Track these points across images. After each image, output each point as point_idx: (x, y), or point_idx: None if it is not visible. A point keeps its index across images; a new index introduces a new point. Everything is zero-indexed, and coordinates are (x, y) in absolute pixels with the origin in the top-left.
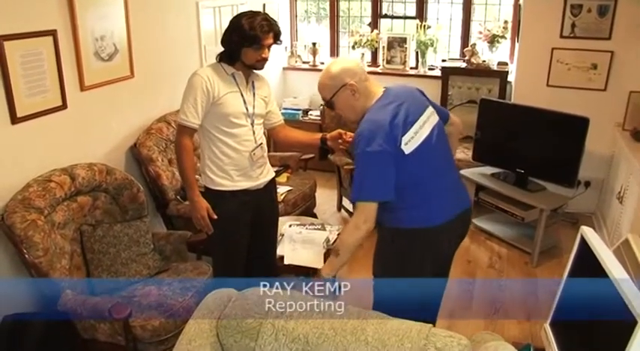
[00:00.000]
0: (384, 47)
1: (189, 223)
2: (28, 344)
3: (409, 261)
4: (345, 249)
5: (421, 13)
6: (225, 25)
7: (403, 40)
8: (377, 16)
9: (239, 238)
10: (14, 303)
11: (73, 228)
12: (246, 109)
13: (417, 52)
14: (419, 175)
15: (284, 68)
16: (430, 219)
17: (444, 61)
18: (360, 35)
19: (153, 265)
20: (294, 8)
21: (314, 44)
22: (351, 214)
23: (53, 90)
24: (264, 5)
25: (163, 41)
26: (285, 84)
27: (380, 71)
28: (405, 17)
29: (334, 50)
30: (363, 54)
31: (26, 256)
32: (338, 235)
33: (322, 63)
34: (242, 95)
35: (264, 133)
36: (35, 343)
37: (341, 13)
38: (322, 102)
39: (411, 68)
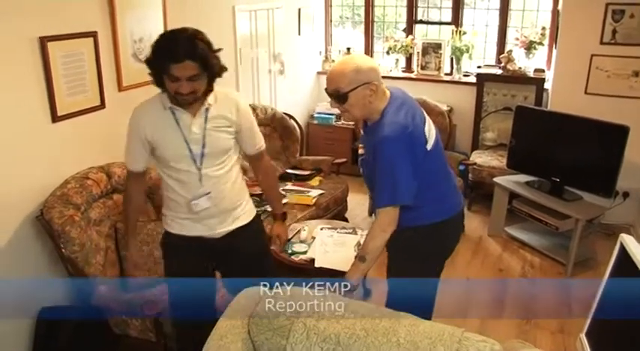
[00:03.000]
0: (418, 53)
1: None
2: (64, 336)
3: (426, 257)
4: (372, 253)
5: (457, 19)
6: (261, 28)
7: (438, 46)
8: (412, 21)
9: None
10: (51, 296)
11: (108, 225)
12: (190, 150)
13: (451, 58)
14: (437, 170)
15: (318, 73)
16: (446, 211)
17: (479, 67)
18: (395, 41)
19: None
20: (329, 13)
21: (348, 49)
22: None
23: (92, 90)
24: (299, 10)
25: None
26: (320, 88)
27: (414, 77)
28: (441, 23)
29: (368, 55)
30: (397, 60)
31: (63, 250)
32: None
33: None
34: (183, 134)
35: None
36: (70, 336)
37: (376, 19)
38: (329, 90)
39: (446, 74)
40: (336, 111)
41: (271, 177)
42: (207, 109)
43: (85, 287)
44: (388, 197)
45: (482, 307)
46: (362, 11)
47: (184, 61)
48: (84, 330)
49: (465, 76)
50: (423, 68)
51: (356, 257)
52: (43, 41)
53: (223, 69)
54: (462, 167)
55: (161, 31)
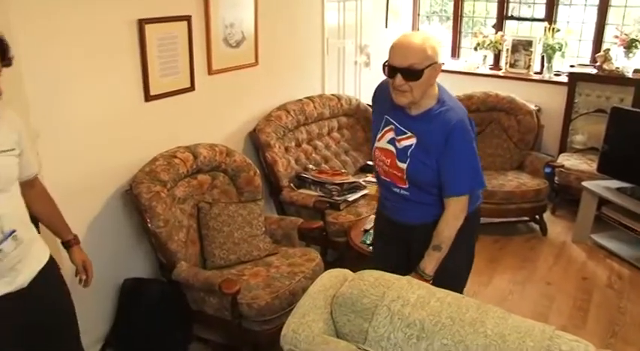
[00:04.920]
0: (507, 50)
1: (300, 210)
2: (144, 308)
3: (473, 244)
4: (447, 242)
5: (550, 16)
6: (349, 19)
7: (529, 44)
8: (502, 17)
9: None
10: (134, 268)
11: (191, 204)
12: None
13: (542, 57)
14: None
15: None
16: (478, 195)
17: (572, 66)
18: (484, 36)
19: (263, 247)
20: (417, 6)
21: None
22: None
23: (184, 72)
24: (387, 2)
25: (288, 32)
26: None
27: (501, 75)
28: (533, 19)
29: (455, 51)
30: (485, 56)
31: (149, 225)
32: None
33: (442, 63)
34: None
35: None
36: (149, 308)
37: (464, 14)
38: (402, 65)
39: (536, 73)
40: None
41: (50, 200)
42: None
43: (166, 261)
44: (468, 183)
45: (562, 315)
46: (451, 6)
47: None
48: (163, 303)
49: (555, 75)
50: (511, 66)
51: (430, 248)
52: (142, 23)
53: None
54: (547, 169)
55: (252, 17)
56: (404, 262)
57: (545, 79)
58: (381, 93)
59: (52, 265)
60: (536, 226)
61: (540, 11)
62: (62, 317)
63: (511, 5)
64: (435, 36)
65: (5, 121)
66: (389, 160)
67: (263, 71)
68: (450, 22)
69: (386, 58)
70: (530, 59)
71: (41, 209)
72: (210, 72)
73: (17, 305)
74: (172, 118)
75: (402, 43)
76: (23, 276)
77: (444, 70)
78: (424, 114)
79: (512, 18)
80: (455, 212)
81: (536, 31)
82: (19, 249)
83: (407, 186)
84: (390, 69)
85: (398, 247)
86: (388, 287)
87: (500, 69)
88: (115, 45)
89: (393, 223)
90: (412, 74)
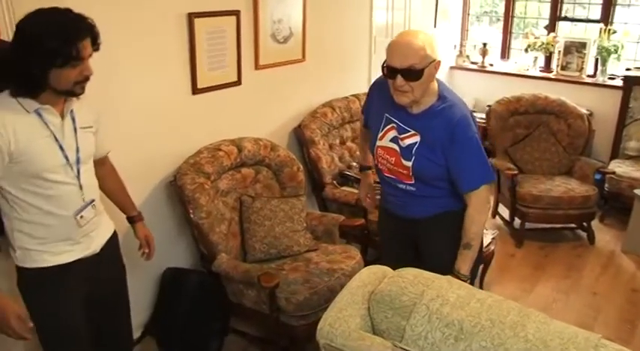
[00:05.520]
0: (559, 52)
1: (342, 207)
2: (183, 297)
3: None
4: (477, 239)
5: (607, 17)
6: (398, 18)
7: (582, 46)
8: (555, 18)
9: (77, 330)
10: (175, 258)
11: (234, 197)
12: (66, 157)
13: (596, 59)
14: None
15: (451, 67)
16: None
17: (628, 69)
18: (535, 37)
19: (303, 242)
20: (467, 7)
21: (484, 45)
22: (506, 221)
23: (231, 66)
24: (436, 1)
25: (335, 29)
26: (451, 84)
27: (552, 77)
28: (588, 21)
29: (505, 52)
30: (536, 58)
31: (192, 216)
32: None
33: (491, 65)
34: (56, 139)
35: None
36: (189, 297)
37: (516, 14)
38: (402, 66)
39: (588, 76)
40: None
41: (118, 177)
42: (71, 110)
43: (207, 252)
44: (481, 177)
45: (608, 327)
46: (502, 6)
47: (89, 36)
48: (202, 294)
49: (610, 78)
50: (563, 68)
51: (461, 248)
52: (191, 17)
53: None
54: (597, 176)
55: (300, 14)
56: (411, 258)
57: (598, 82)
58: (379, 91)
59: (115, 237)
60: (584, 234)
61: (596, 12)
62: (120, 288)
63: (565, 6)
64: (429, 33)
65: (85, 102)
66: (393, 159)
67: (310, 67)
68: (500, 23)
69: (435, 58)
70: (583, 62)
71: (111, 185)
72: (257, 67)
73: (87, 271)
74: (218, 111)
75: (400, 43)
76: (96, 242)
77: (493, 72)
78: (426, 111)
79: (565, 19)
80: (477, 207)
81: (590, 33)
82: (96, 217)
83: (413, 182)
84: (390, 70)
85: (403, 243)
86: (427, 286)
87: (552, 71)
88: (166, 38)
89: (398, 218)
90: (413, 74)
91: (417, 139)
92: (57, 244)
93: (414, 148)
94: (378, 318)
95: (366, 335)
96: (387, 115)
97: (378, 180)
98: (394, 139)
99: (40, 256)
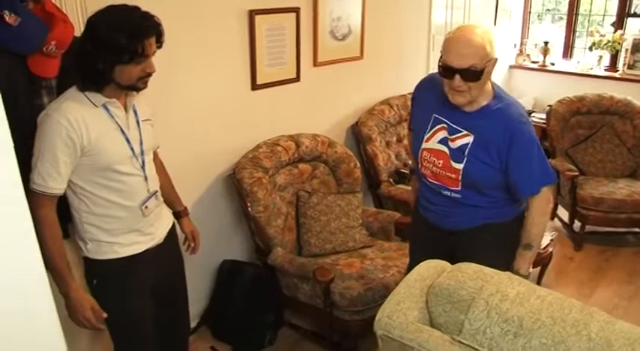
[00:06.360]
0: (627, 50)
1: (398, 205)
2: (239, 289)
3: (511, 257)
4: (537, 240)
5: None
6: (457, 16)
7: None
8: (623, 14)
9: (145, 320)
10: (232, 250)
11: (291, 192)
12: (132, 149)
13: None
14: None
15: (510, 66)
16: None
17: None
18: (601, 35)
19: (359, 239)
20: (528, 5)
21: (546, 43)
22: (565, 224)
23: (290, 63)
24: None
25: (394, 27)
26: (510, 83)
27: (618, 76)
28: None
29: (568, 51)
30: (600, 57)
31: (249, 209)
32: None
33: (552, 64)
34: (123, 132)
35: None
36: (245, 289)
37: (581, 11)
38: (462, 67)
39: None
40: (527, 107)
41: (166, 172)
42: (133, 105)
43: (263, 246)
44: (542, 178)
45: None
46: (565, 4)
47: (154, 34)
48: (257, 287)
49: None
50: (630, 67)
51: (521, 249)
52: (252, 14)
53: None
54: None
55: (359, 12)
56: None
57: None
58: (426, 90)
59: (174, 229)
60: None
61: None
62: (180, 278)
63: (635, 2)
64: (490, 30)
65: (143, 97)
66: (441, 162)
67: (368, 65)
68: (563, 21)
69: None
70: None
71: (160, 180)
72: (315, 63)
73: (152, 262)
74: (276, 107)
75: (459, 41)
76: (160, 232)
77: (554, 71)
78: (481, 110)
79: (635, 15)
80: (541, 208)
81: None
82: (158, 208)
83: (459, 188)
84: (447, 69)
85: (436, 257)
86: (487, 281)
87: (617, 70)
88: (226, 34)
89: (437, 229)
90: (472, 75)
91: (469, 139)
92: (126, 236)
93: (467, 150)
94: (436, 311)
95: (424, 328)
96: (436, 115)
97: None
98: (443, 141)
99: (111, 248)
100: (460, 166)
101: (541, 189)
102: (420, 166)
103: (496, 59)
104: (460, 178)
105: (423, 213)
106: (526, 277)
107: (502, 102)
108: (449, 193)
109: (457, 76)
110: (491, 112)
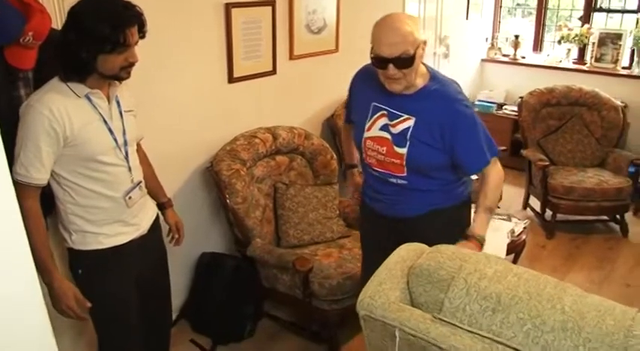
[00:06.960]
0: (594, 43)
1: None
2: (219, 279)
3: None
4: (496, 203)
5: None
6: (430, 10)
7: (618, 37)
8: (590, 9)
9: (129, 310)
10: (211, 243)
11: (269, 184)
12: (115, 140)
13: (632, 50)
14: None
15: (482, 60)
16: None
17: None
18: (569, 29)
19: (337, 229)
20: None
21: (516, 37)
22: (537, 213)
23: (266, 56)
24: None
25: (368, 20)
26: (482, 76)
27: (586, 69)
28: (624, 11)
29: (538, 44)
30: (569, 50)
31: (228, 201)
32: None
33: (523, 57)
34: (106, 123)
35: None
36: (224, 281)
37: (549, 7)
38: (393, 55)
39: (624, 68)
40: (499, 100)
41: (150, 164)
42: (116, 95)
43: (242, 237)
44: (489, 151)
45: None
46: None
47: (136, 24)
48: (236, 279)
49: None
50: (597, 60)
51: (481, 211)
52: (228, 7)
53: None
54: (632, 168)
55: (334, 5)
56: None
57: (634, 74)
58: (363, 81)
59: (158, 220)
60: (616, 226)
61: (633, 2)
62: (164, 268)
63: None
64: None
65: (126, 87)
66: (384, 148)
67: (343, 58)
68: (533, 16)
69: (465, 49)
70: (618, 53)
71: (144, 171)
72: (291, 57)
73: (137, 253)
74: (253, 100)
75: (387, 31)
76: (144, 223)
77: (525, 64)
78: (420, 92)
79: (601, 10)
80: (499, 174)
81: (627, 24)
82: (142, 199)
83: (405, 174)
84: (380, 60)
85: (387, 249)
86: (465, 261)
87: (585, 63)
88: (203, 27)
89: (385, 218)
90: (405, 62)
91: (410, 123)
92: (111, 226)
93: (409, 133)
94: (417, 291)
95: (405, 307)
96: (375, 103)
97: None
98: (384, 127)
99: (96, 239)
100: (404, 151)
101: (489, 161)
102: (364, 156)
103: (425, 41)
104: (404, 163)
105: (370, 203)
106: (484, 239)
107: (439, 83)
108: (395, 180)
109: (390, 65)
110: (429, 93)
